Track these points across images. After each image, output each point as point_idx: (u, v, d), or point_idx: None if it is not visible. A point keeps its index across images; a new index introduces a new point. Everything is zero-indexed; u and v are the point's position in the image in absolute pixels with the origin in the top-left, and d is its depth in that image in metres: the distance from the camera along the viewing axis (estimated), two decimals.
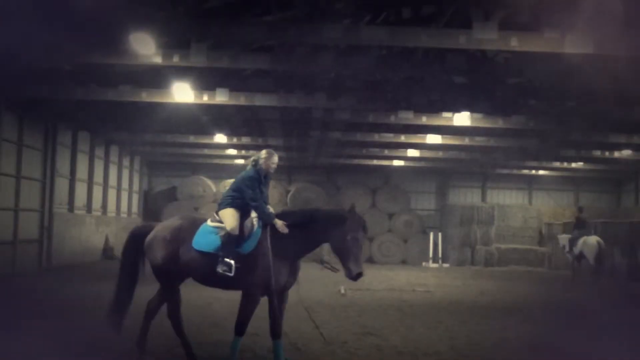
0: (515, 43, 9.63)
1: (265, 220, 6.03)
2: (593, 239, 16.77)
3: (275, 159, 6.40)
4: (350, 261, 5.82)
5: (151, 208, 27.10)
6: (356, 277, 5.84)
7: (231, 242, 5.94)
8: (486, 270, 23.11)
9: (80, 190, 20.59)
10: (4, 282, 13.44)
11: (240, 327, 5.93)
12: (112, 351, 6.40)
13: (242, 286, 6.00)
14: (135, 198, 26.74)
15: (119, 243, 22.39)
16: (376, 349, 7.18)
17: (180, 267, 6.10)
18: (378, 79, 15.38)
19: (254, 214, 6.14)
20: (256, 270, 5.89)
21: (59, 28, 8.40)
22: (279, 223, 5.98)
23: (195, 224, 6.27)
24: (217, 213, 6.27)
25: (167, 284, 6.25)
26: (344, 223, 5.91)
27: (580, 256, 17.00)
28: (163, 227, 6.33)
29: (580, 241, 16.95)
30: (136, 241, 6.38)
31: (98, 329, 6.57)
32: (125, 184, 25.10)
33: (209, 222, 6.24)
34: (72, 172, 19.76)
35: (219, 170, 27.57)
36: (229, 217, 6.07)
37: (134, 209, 26.46)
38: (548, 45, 9.64)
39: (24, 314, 8.42)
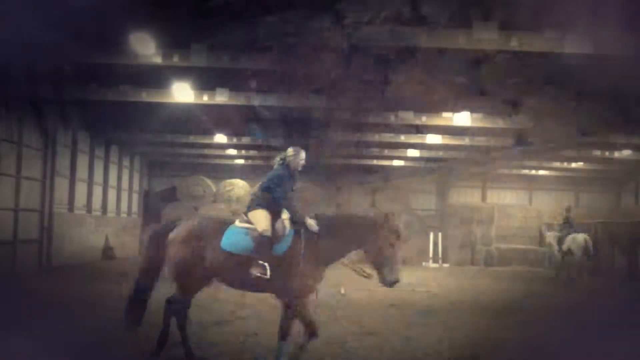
0: (515, 43, 9.63)
1: (297, 220, 5.92)
2: (581, 237, 17.14)
3: (303, 155, 6.30)
4: (385, 268, 5.75)
5: (151, 208, 27.09)
6: (392, 284, 5.77)
7: (264, 243, 5.80)
8: (486, 270, 23.10)
9: (80, 190, 20.58)
10: (4, 282, 13.43)
11: (283, 332, 5.82)
12: (113, 350, 6.39)
13: (274, 290, 5.90)
14: (135, 198, 26.73)
15: (119, 243, 22.42)
16: (376, 349, 7.18)
17: (205, 268, 5.94)
18: (378, 79, 15.37)
19: (285, 215, 6.00)
20: (289, 273, 5.77)
21: (59, 28, 8.40)
22: (310, 221, 5.87)
23: (220, 224, 6.13)
24: (245, 214, 6.12)
25: (186, 284, 6.06)
26: (379, 229, 5.82)
27: (568, 253, 17.37)
28: (186, 226, 6.16)
29: (569, 238, 17.33)
30: (158, 240, 6.20)
31: (98, 328, 6.57)
32: (125, 184, 25.08)
33: (237, 223, 6.08)
34: (72, 172, 19.75)
35: (219, 170, 27.56)
36: (261, 218, 5.93)
37: (134, 209, 26.44)
38: (548, 46, 9.64)
39: (24, 314, 8.41)
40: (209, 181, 27.22)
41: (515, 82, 14.73)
